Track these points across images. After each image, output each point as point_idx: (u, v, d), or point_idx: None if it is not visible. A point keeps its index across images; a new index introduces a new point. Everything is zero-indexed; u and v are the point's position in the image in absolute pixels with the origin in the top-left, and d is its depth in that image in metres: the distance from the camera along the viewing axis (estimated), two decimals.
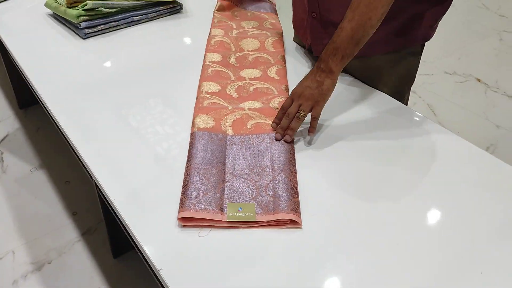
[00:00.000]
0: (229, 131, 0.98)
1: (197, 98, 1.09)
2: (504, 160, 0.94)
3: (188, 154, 0.92)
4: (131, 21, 1.43)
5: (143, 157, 0.96)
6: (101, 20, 1.37)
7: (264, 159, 0.91)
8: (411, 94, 2.17)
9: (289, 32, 1.39)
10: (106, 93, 1.15)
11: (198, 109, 1.04)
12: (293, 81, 1.13)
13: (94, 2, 1.35)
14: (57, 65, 1.27)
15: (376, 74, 1.16)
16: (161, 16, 1.49)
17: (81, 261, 1.49)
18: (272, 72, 1.19)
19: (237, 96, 1.10)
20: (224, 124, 1.00)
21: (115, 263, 1.47)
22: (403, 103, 1.17)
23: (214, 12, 1.47)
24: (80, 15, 1.34)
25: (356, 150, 0.96)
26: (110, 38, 1.39)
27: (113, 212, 0.90)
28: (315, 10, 1.13)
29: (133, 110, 1.09)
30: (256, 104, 1.07)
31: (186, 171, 0.88)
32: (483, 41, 2.77)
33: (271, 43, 1.31)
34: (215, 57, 1.24)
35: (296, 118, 0.94)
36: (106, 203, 0.94)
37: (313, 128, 0.96)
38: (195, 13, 1.54)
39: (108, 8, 1.37)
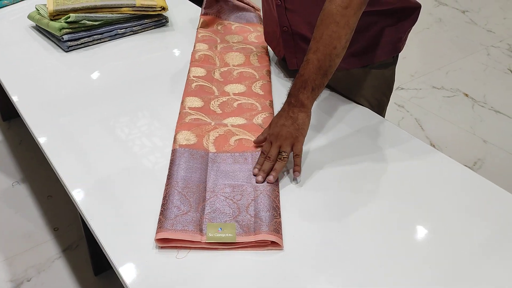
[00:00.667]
0: (211, 148, 0.96)
1: (179, 113, 1.07)
2: (491, 175, 0.93)
3: (169, 171, 0.90)
4: (115, 34, 1.41)
5: (125, 173, 0.93)
6: (84, 33, 1.35)
7: (247, 179, 0.89)
8: (398, 108, 2.17)
9: None
10: (88, 108, 1.13)
11: (180, 125, 1.02)
12: (278, 96, 1.13)
13: (77, 14, 1.33)
14: (38, 78, 1.25)
15: (354, 85, 1.16)
16: (146, 29, 1.48)
17: (61, 279, 1.45)
18: (257, 88, 1.17)
19: (220, 111, 1.08)
20: (206, 140, 0.98)
21: (96, 281, 1.44)
22: (383, 114, 1.17)
23: (197, 29, 1.44)
24: (63, 28, 1.32)
25: (339, 169, 0.94)
26: (93, 51, 1.37)
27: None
28: (285, 25, 1.12)
29: (116, 124, 1.07)
30: (240, 120, 1.05)
31: (165, 189, 0.86)
32: (471, 56, 2.79)
33: (256, 58, 1.30)
34: (199, 71, 1.22)
35: (279, 160, 0.89)
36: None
37: (298, 167, 0.91)
38: (181, 26, 1.52)
39: (91, 21, 1.35)
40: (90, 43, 1.38)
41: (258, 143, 0.96)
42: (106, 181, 0.92)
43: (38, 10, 1.42)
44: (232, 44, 1.37)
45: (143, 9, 1.44)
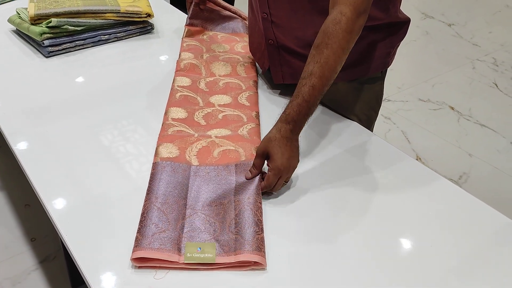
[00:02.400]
0: (194, 161, 0.93)
1: (162, 124, 1.03)
2: (476, 189, 0.92)
3: (149, 186, 0.86)
4: (99, 40, 1.37)
5: (104, 186, 0.89)
6: (66, 39, 1.31)
7: (229, 192, 0.85)
8: (385, 120, 2.17)
9: None
10: (68, 116, 1.09)
11: (162, 137, 0.98)
12: (264, 109, 1.10)
13: (59, 19, 1.29)
14: (17, 84, 1.21)
15: (343, 101, 1.14)
16: (131, 36, 1.44)
17: None
18: (243, 99, 1.14)
19: (204, 123, 1.05)
20: (189, 153, 0.94)
21: None
22: (371, 128, 1.16)
23: (182, 39, 1.40)
24: (44, 33, 1.28)
25: (325, 186, 0.92)
26: (75, 57, 1.33)
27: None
28: (271, 38, 1.10)
29: (98, 133, 1.03)
30: (224, 132, 1.02)
31: (144, 205, 0.82)
32: (457, 70, 2.81)
33: (243, 68, 1.26)
34: (184, 81, 1.19)
35: (281, 186, 0.88)
36: None
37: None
38: (166, 33, 1.49)
39: (74, 26, 1.32)
40: (72, 49, 1.34)
41: (254, 174, 0.88)
42: (85, 191, 0.88)
43: (19, 14, 1.38)
44: (218, 53, 1.34)
45: (128, 15, 1.40)
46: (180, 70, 1.23)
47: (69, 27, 1.31)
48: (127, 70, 1.29)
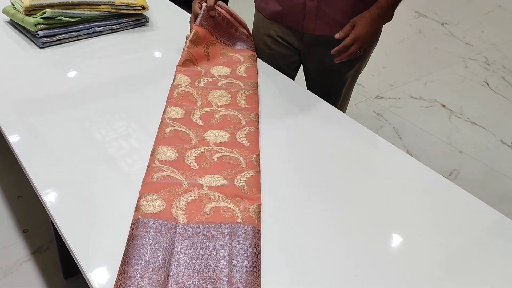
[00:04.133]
0: (181, 218, 0.80)
1: (148, 167, 0.91)
2: (466, 186, 0.93)
3: (125, 252, 0.73)
4: (93, 32, 1.38)
5: (99, 176, 0.90)
6: (61, 30, 1.32)
7: (222, 262, 0.73)
8: (377, 117, 2.20)
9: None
10: (62, 107, 1.09)
11: (146, 185, 0.86)
12: (266, 148, 1.00)
13: (53, 10, 1.29)
14: (11, 75, 1.20)
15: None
16: (125, 29, 1.45)
17: (28, 283, 1.40)
18: (242, 137, 1.01)
19: (197, 167, 0.92)
20: (176, 207, 0.82)
21: (65, 285, 1.40)
22: (349, 95, 1.41)
23: (187, 41, 1.27)
24: (38, 23, 1.28)
25: (313, 176, 0.93)
26: (69, 48, 1.33)
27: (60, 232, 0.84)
28: None
29: (91, 125, 1.04)
30: (218, 180, 0.88)
31: (117, 280, 0.69)
32: (449, 68, 2.83)
33: (244, 98, 1.13)
34: (177, 112, 1.06)
35: (354, 55, 1.16)
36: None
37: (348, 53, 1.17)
38: (161, 26, 1.50)
39: (68, 17, 1.32)
40: (66, 40, 1.34)
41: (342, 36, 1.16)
42: (79, 183, 0.88)
43: (13, 4, 1.38)
44: (218, 78, 1.22)
45: (123, 7, 1.41)
46: (172, 99, 1.11)
47: (64, 18, 1.31)
48: (121, 62, 1.29)
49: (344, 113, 1.25)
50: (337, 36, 1.17)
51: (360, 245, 0.79)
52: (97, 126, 1.04)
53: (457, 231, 0.83)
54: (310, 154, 0.99)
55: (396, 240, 0.82)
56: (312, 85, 1.40)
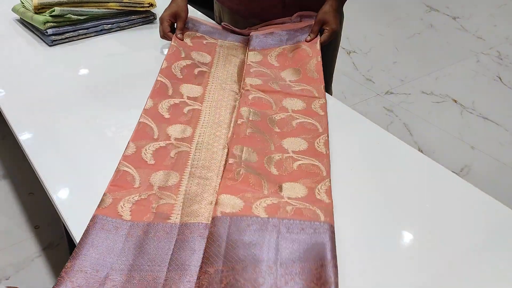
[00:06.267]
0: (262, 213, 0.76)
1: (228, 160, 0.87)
2: (478, 182, 0.92)
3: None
4: (101, 30, 1.38)
5: (109, 175, 0.90)
6: (69, 27, 1.32)
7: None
8: (387, 113, 2.17)
9: None
10: (72, 105, 1.09)
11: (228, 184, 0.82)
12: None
13: (62, 8, 1.30)
14: (21, 73, 1.21)
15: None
16: (133, 26, 1.45)
17: (40, 278, 1.42)
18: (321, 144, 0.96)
19: (276, 173, 0.87)
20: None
21: None
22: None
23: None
24: (47, 21, 1.29)
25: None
26: (78, 46, 1.34)
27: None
28: None
29: (102, 123, 1.04)
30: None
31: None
32: (461, 63, 2.80)
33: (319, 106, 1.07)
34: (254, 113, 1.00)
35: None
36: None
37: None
38: None
39: (77, 15, 1.32)
40: (75, 38, 1.35)
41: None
42: (88, 181, 0.89)
43: (23, 3, 1.39)
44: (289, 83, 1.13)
45: (131, 5, 1.41)
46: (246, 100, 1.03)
47: (72, 16, 1.32)
48: (130, 59, 1.29)
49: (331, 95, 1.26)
50: (308, 39, 1.21)
51: (368, 242, 0.79)
52: (107, 124, 1.04)
53: (468, 229, 0.82)
54: None
55: (406, 237, 0.81)
56: None
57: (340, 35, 1.41)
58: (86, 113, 1.07)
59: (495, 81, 2.64)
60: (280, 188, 0.83)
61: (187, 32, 1.28)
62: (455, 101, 2.45)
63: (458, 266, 0.75)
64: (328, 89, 1.44)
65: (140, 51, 1.34)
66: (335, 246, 0.72)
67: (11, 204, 1.65)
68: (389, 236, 0.80)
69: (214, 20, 1.50)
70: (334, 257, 0.70)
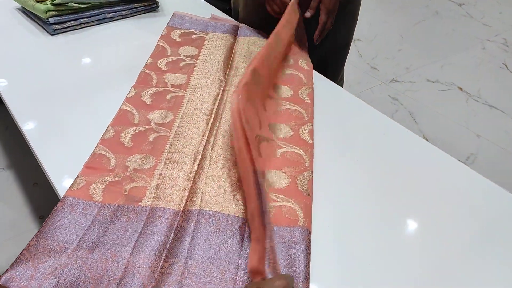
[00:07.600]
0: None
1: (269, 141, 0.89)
2: (484, 170, 0.91)
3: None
4: (103, 18, 1.37)
5: None
6: (71, 16, 1.31)
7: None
8: (392, 101, 2.15)
9: None
10: (75, 95, 1.09)
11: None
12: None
13: None
14: (23, 63, 1.20)
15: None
16: (136, 14, 1.43)
17: None
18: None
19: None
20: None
21: None
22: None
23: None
24: (49, 10, 1.28)
25: (329, 161, 0.92)
26: (80, 35, 1.33)
27: None
28: None
29: (105, 113, 1.03)
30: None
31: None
32: (466, 50, 2.77)
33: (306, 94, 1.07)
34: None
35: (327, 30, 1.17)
36: None
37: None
38: (171, 11, 1.48)
39: (78, 3, 1.31)
40: (77, 27, 1.33)
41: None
42: None
43: None
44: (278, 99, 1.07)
45: None
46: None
47: (74, 4, 1.30)
48: (133, 48, 1.28)
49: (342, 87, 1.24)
50: (307, 14, 1.13)
51: (374, 231, 0.78)
52: (110, 113, 1.03)
53: (474, 217, 0.81)
54: (322, 138, 0.98)
55: (412, 226, 0.80)
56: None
57: (353, 30, 1.34)
58: (89, 102, 1.06)
59: (501, 68, 2.61)
60: (263, 174, 0.82)
61: (175, 29, 1.30)
62: (461, 89, 2.42)
63: (464, 254, 0.75)
64: (338, 79, 1.42)
65: (143, 39, 1.33)
66: (309, 251, 0.72)
67: (15, 194, 1.65)
68: (394, 224, 0.80)
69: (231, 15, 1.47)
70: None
